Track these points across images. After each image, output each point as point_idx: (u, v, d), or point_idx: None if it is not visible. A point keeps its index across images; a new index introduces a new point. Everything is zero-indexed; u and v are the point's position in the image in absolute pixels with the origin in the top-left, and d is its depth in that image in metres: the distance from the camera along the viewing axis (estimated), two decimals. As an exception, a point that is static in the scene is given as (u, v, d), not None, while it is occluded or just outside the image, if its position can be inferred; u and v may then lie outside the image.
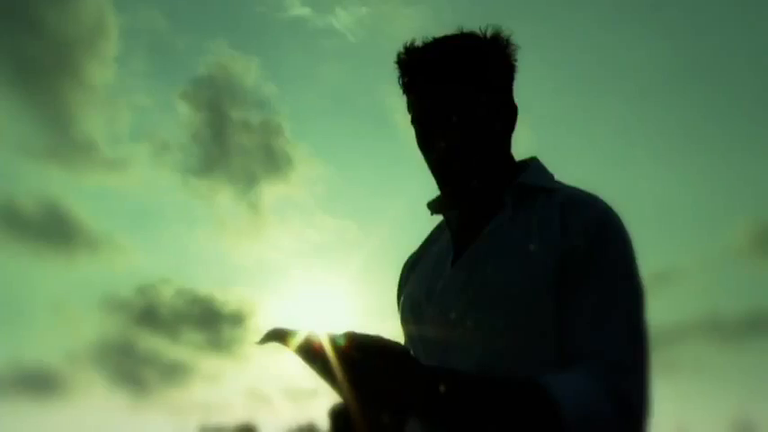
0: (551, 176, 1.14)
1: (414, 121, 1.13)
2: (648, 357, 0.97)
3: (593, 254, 0.99)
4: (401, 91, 1.13)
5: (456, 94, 1.08)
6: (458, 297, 1.06)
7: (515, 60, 1.14)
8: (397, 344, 0.82)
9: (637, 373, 0.95)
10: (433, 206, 1.20)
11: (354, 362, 0.79)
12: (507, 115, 1.13)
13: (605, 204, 1.05)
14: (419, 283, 1.16)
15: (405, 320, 1.16)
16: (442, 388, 0.81)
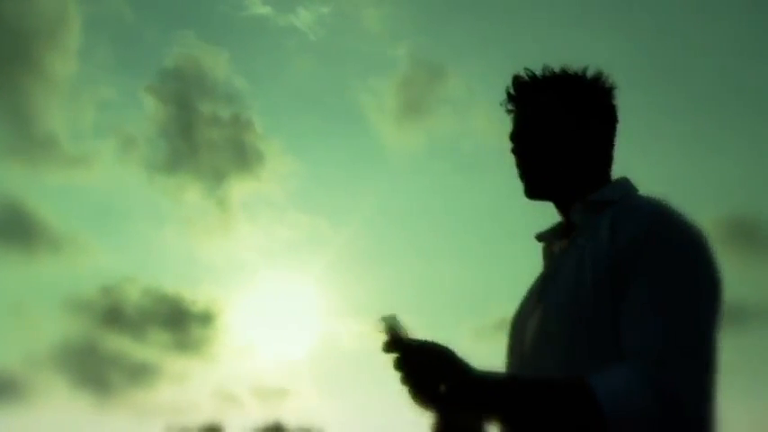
0: (626, 191, 1.17)
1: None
2: (702, 355, 0.98)
3: (641, 256, 1.02)
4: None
5: (539, 105, 1.20)
6: (531, 321, 1.16)
7: (605, 93, 1.22)
8: (442, 347, 0.98)
9: (681, 369, 0.95)
10: (539, 236, 1.27)
11: (400, 358, 0.97)
12: (586, 138, 1.19)
13: (662, 208, 1.07)
14: (519, 305, 1.25)
15: (508, 335, 1.26)
16: (476, 382, 0.96)
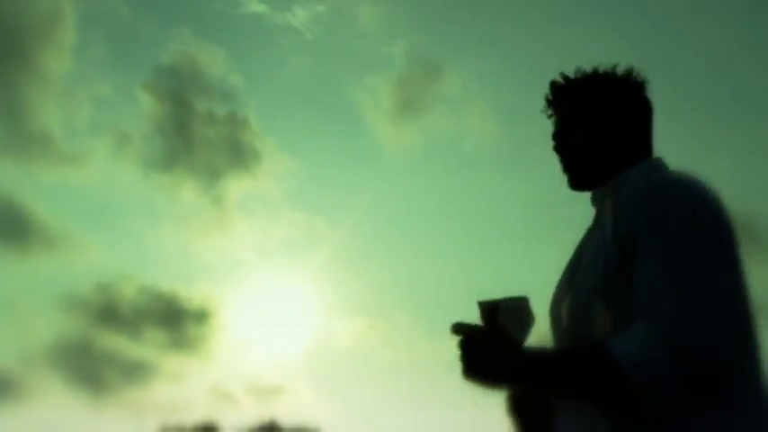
0: (648, 170, 1.25)
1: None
2: (717, 307, 1.02)
3: (640, 234, 1.09)
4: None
5: (573, 106, 1.33)
6: (564, 303, 1.25)
7: (636, 87, 1.33)
8: (503, 333, 1.14)
9: (695, 324, 1.00)
10: None
11: (462, 340, 1.15)
12: (619, 132, 1.30)
13: (661, 180, 1.14)
14: (555, 289, 1.36)
15: (549, 319, 1.36)
16: (523, 361, 1.11)
